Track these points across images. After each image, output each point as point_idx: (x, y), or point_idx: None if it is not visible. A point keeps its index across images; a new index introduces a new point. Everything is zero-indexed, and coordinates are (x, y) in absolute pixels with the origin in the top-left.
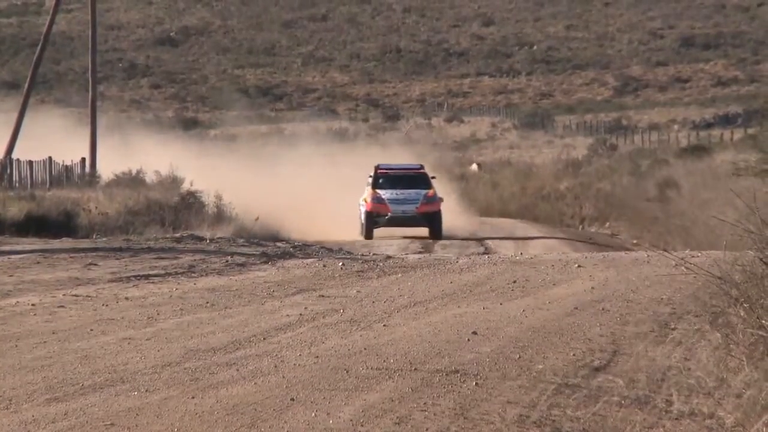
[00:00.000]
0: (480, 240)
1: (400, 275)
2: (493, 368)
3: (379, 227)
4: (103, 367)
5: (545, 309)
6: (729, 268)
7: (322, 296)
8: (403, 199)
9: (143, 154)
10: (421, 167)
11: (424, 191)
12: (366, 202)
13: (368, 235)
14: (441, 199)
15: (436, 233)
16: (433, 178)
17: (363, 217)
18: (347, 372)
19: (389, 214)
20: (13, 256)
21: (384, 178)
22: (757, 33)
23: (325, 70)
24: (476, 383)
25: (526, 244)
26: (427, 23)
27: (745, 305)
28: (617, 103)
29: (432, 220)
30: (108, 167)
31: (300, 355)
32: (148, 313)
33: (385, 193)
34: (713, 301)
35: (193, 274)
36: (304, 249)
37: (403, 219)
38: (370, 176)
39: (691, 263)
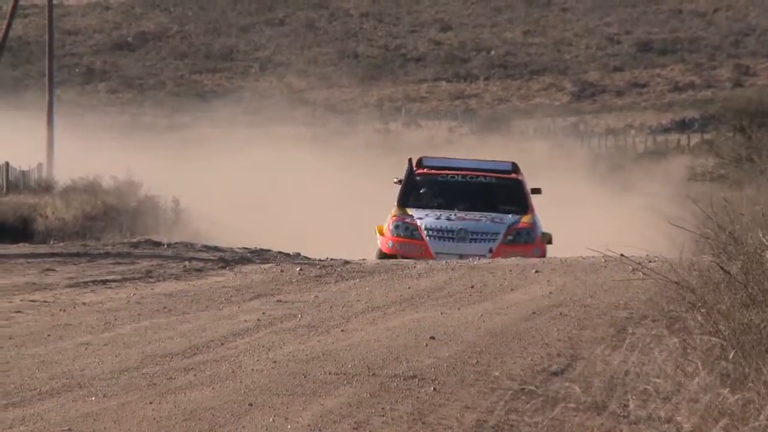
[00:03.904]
0: None
1: (358, 280)
2: (451, 373)
3: None
4: (61, 373)
5: (503, 314)
6: (686, 273)
7: (280, 301)
8: (461, 231)
9: (102, 158)
10: (513, 169)
11: (510, 218)
12: (382, 234)
13: None
14: (546, 238)
15: None
16: (535, 192)
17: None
18: (305, 377)
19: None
20: None
21: (427, 185)
22: (713, 38)
23: (283, 75)
24: (434, 388)
25: None
26: (384, 28)
27: (702, 310)
28: (574, 107)
29: None
30: (65, 172)
31: (258, 360)
32: (106, 319)
33: (423, 218)
34: (670, 306)
35: (150, 279)
36: (261, 254)
37: None
38: (398, 180)
39: (648, 268)
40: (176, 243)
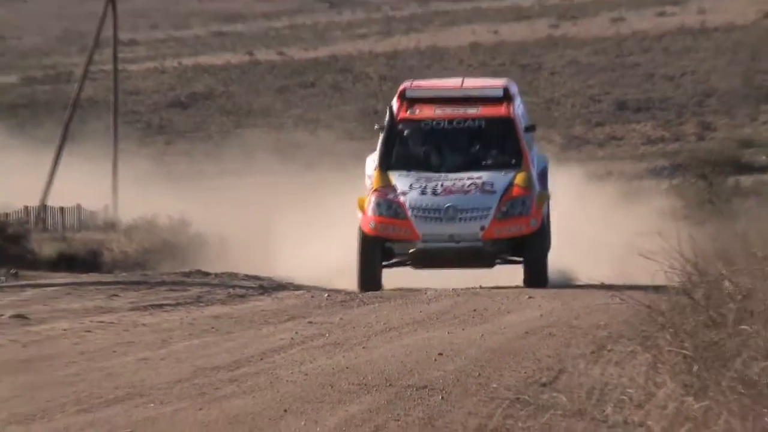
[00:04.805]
0: None
1: (377, 305)
2: (456, 384)
3: (395, 264)
4: (124, 383)
5: (501, 333)
6: (657, 299)
7: (311, 323)
8: (450, 209)
9: (159, 200)
10: (505, 95)
11: (502, 180)
12: (363, 212)
13: (366, 282)
14: (544, 199)
15: (535, 274)
16: (529, 129)
17: (359, 243)
18: (332, 387)
19: (417, 243)
20: (47, 289)
21: (409, 137)
22: (680, 98)
23: (313, 130)
24: (442, 397)
25: None
26: None
27: (670, 330)
28: (563, 157)
29: (521, 246)
30: (128, 212)
31: (292, 372)
32: (162, 337)
33: (407, 191)
34: (643, 326)
35: (200, 304)
36: (294, 282)
37: (449, 255)
38: (379, 127)
39: (625, 294)
40: (222, 273)
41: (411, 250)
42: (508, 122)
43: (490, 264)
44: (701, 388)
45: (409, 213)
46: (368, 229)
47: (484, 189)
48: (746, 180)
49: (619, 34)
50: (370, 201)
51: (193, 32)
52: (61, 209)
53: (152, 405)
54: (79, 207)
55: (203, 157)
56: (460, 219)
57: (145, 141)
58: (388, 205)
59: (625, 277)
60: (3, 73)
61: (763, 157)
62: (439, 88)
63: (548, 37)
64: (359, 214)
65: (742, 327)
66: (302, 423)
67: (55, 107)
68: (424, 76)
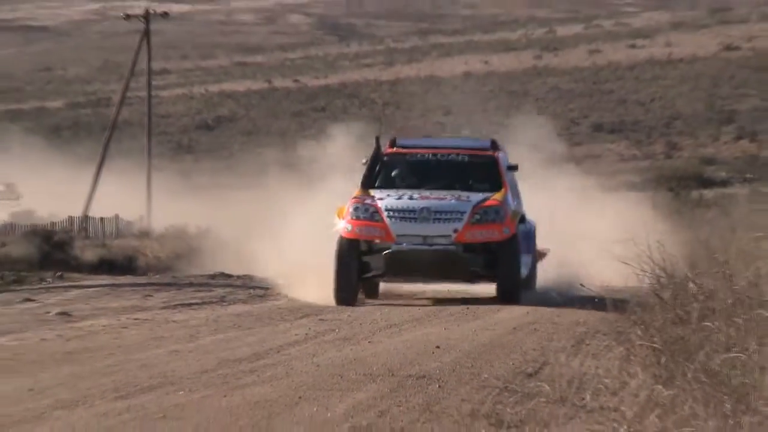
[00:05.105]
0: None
1: (380, 304)
2: (451, 374)
3: (372, 278)
4: (157, 373)
5: (491, 329)
6: (630, 298)
7: (322, 319)
8: (424, 210)
9: (188, 211)
10: (492, 146)
11: (479, 195)
12: (341, 218)
13: (343, 293)
14: (518, 216)
15: (507, 290)
16: (512, 168)
17: (336, 252)
18: (341, 377)
19: (392, 246)
20: (89, 289)
21: (394, 165)
22: (650, 121)
23: (324, 149)
24: (439, 386)
25: None
26: (401, 114)
27: (641, 326)
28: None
29: (494, 261)
30: (160, 222)
31: (305, 364)
32: (191, 332)
33: (384, 198)
34: (617, 323)
35: (224, 303)
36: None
37: (423, 259)
38: (364, 161)
39: (601, 294)
40: (243, 275)
41: (384, 253)
42: (490, 159)
43: (465, 274)
44: (669, 378)
45: (385, 215)
46: (345, 233)
47: (460, 198)
48: (709, 193)
49: (596, 64)
50: (348, 207)
51: (218, 62)
52: (101, 219)
53: (182, 393)
54: (117, 217)
55: (227, 172)
56: (434, 220)
57: (175, 158)
58: (365, 209)
59: (601, 279)
60: (50, 98)
61: (723, 173)
62: (429, 139)
63: (533, 66)
64: (339, 223)
65: (705, 323)
66: (315, 409)
67: (95, 129)
68: (423, 102)
